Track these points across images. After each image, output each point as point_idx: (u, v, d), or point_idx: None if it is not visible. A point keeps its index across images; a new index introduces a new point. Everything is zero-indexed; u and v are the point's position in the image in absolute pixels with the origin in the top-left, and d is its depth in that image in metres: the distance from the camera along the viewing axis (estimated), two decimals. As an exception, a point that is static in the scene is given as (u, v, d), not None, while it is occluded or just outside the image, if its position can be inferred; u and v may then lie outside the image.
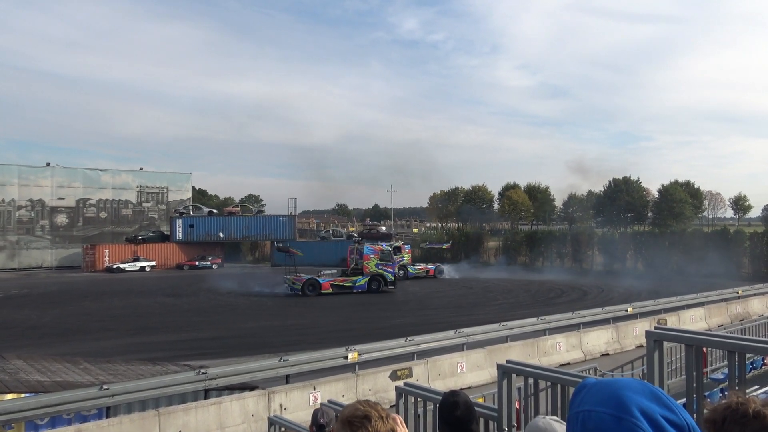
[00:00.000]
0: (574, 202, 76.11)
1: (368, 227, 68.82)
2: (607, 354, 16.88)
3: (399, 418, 1.89)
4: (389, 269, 33.72)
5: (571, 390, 4.49)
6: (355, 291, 32.52)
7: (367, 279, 32.85)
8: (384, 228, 68.63)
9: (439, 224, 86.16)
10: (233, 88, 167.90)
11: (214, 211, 61.65)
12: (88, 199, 59.26)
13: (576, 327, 17.95)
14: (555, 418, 2.06)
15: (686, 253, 44.31)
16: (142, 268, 51.13)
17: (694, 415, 3.39)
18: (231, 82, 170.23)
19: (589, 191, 78.26)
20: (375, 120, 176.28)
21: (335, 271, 33.72)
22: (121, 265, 50.52)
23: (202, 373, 10.80)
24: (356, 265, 33.64)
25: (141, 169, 64.48)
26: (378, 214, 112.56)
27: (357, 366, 12.82)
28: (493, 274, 44.86)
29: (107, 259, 51.93)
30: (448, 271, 43.73)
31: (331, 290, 32.06)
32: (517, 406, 5.19)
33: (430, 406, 6.05)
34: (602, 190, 71.51)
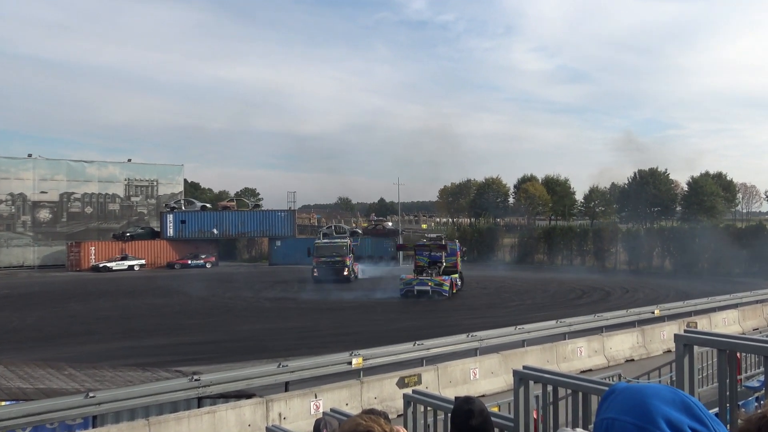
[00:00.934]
0: (596, 196, 75.85)
1: (374, 223, 68.88)
2: (632, 359, 16.85)
3: (402, 430, 1.89)
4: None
5: (594, 399, 4.48)
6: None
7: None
8: (390, 224, 68.62)
9: (450, 220, 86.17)
10: (228, 74, 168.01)
11: (208, 205, 61.74)
12: (73, 193, 59.51)
13: (598, 330, 17.92)
14: (582, 431, 2.05)
15: (718, 251, 44.10)
16: (131, 267, 51.36)
17: (728, 426, 3.37)
18: (226, 67, 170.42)
19: (612, 184, 77.90)
20: (380, 107, 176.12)
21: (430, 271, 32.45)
22: (108, 264, 50.77)
23: (195, 380, 10.84)
24: (447, 264, 33.04)
25: (129, 160, 64.72)
26: (384, 208, 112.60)
27: (362, 372, 12.84)
28: (508, 273, 44.79)
29: (93, 257, 52.18)
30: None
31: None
32: (535, 416, 5.19)
33: (440, 416, 6.05)
34: (626, 182, 71.20)
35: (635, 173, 70.24)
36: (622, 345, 17.06)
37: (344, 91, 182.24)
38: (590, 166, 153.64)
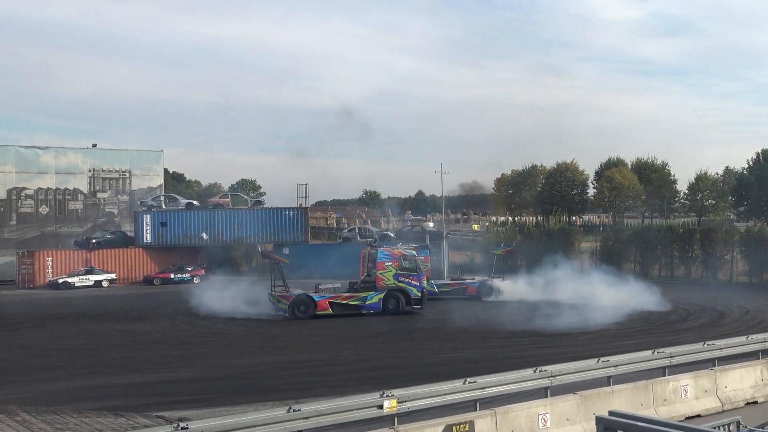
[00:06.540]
0: (704, 185, 74.84)
1: (409, 223, 68.98)
2: (755, 402, 16.65)
3: None
4: (414, 282, 34.18)
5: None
6: (365, 312, 33.16)
7: (381, 295, 33.38)
8: (431, 224, 68.57)
9: (509, 218, 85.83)
10: (220, 31, 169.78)
11: (195, 203, 62.31)
12: (24, 189, 60.58)
13: (709, 363, 17.71)
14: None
15: None
16: (98, 283, 52.11)
17: None
18: (217, 23, 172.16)
19: (726, 168, 76.84)
20: (416, 72, 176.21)
21: (339, 285, 34.40)
22: (70, 280, 51.58)
23: (182, 429, 11.00)
24: (369, 277, 34.20)
25: (94, 145, 65.61)
26: (422, 204, 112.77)
27: (396, 418, 12.90)
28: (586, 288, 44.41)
29: (50, 270, 53.02)
30: (509, 287, 40.92)
31: (330, 311, 32.90)
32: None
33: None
34: (746, 167, 70.09)
35: (758, 154, 69.08)
36: (742, 383, 16.81)
37: (368, 51, 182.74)
38: (696, 145, 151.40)
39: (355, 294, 33.61)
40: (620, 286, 37.65)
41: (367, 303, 33.27)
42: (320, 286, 34.00)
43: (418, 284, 34.09)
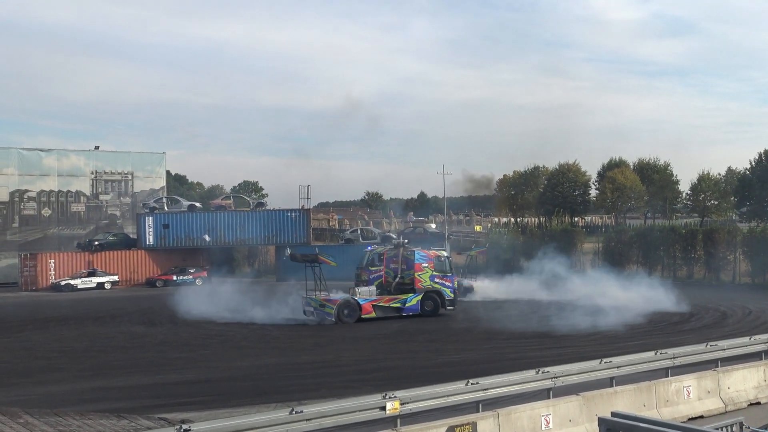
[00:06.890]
0: (706, 185, 74.78)
1: (411, 225, 69.01)
2: (758, 403, 16.61)
3: None
4: (448, 283, 34.09)
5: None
6: (405, 314, 32.95)
7: (419, 297, 33.24)
8: (434, 225, 68.64)
9: (511, 219, 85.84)
10: (222, 33, 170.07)
11: (197, 204, 62.39)
12: (26, 191, 60.71)
13: (712, 364, 17.68)
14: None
15: None
16: (100, 285, 52.24)
17: None
18: (219, 25, 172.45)
19: (729, 168, 76.91)
20: (417, 73, 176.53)
21: (373, 288, 33.92)
22: (72, 282, 51.72)
23: (185, 431, 11.01)
24: (403, 279, 33.92)
25: (97, 147, 65.75)
26: (425, 206, 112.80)
27: (398, 420, 12.91)
28: (587, 289, 44.35)
29: (53, 272, 53.15)
30: (486, 286, 42.24)
31: (374, 314, 32.54)
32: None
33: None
34: (748, 167, 70.08)
35: (761, 154, 69.05)
36: (745, 383, 16.79)
37: (369, 52, 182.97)
38: (698, 146, 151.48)
39: (396, 296, 33.37)
40: (610, 285, 38.05)
41: (407, 305, 33.14)
42: (356, 289, 33.41)
43: (450, 285, 34.27)
